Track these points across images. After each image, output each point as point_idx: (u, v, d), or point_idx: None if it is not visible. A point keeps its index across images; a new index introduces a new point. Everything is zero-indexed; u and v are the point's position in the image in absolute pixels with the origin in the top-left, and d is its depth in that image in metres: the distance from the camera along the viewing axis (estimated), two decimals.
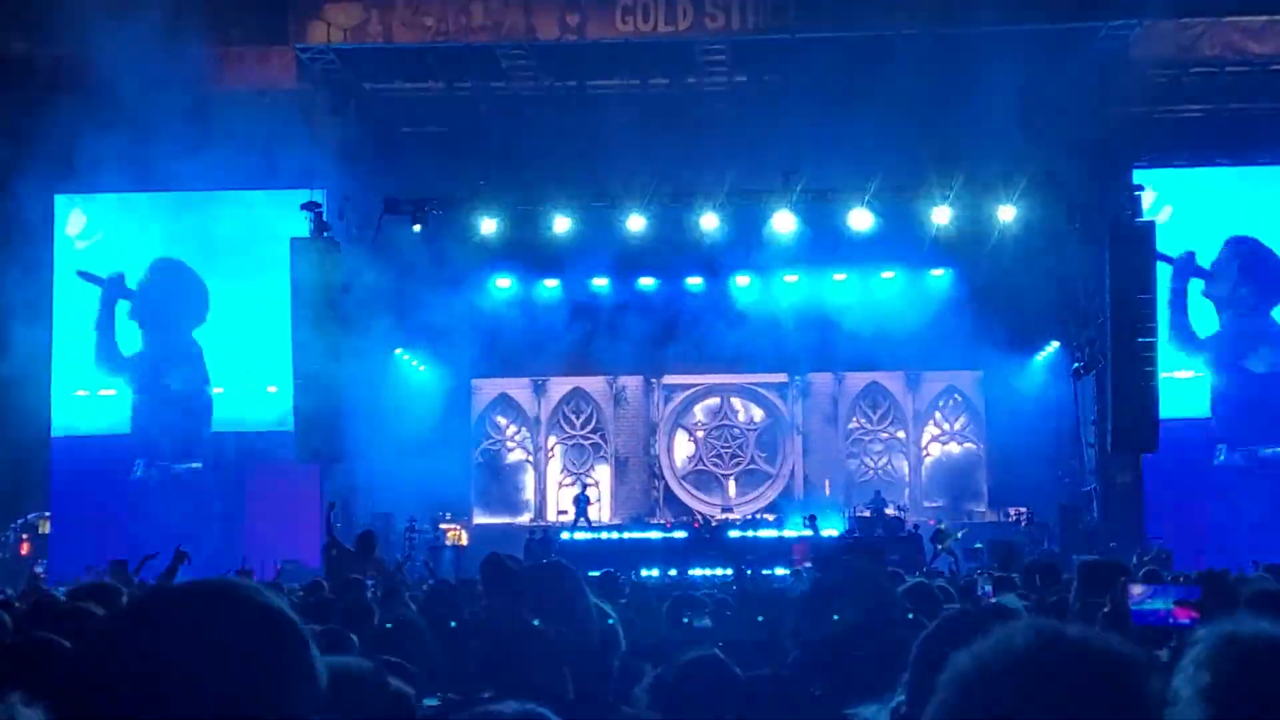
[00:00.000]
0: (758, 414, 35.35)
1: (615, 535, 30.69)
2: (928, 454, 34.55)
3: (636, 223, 27.77)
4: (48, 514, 29.00)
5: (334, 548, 18.46)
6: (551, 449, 35.10)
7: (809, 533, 29.69)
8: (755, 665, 5.89)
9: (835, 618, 4.42)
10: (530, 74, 28.02)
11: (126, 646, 2.07)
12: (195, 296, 29.65)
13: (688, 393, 35.15)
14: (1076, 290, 29.01)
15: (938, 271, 31.04)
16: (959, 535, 28.45)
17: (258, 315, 29.04)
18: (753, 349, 32.17)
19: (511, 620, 4.21)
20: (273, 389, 28.64)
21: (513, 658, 4.03)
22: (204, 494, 29.08)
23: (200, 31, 24.94)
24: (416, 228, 27.65)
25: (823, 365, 33.89)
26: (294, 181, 27.25)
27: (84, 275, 29.57)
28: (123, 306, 29.80)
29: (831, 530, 30.24)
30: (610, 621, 4.70)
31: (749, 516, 32.49)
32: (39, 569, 26.26)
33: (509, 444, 35.16)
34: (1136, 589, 5.84)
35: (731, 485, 34.76)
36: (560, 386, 35.00)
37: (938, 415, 34.72)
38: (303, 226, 26.35)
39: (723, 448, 35.36)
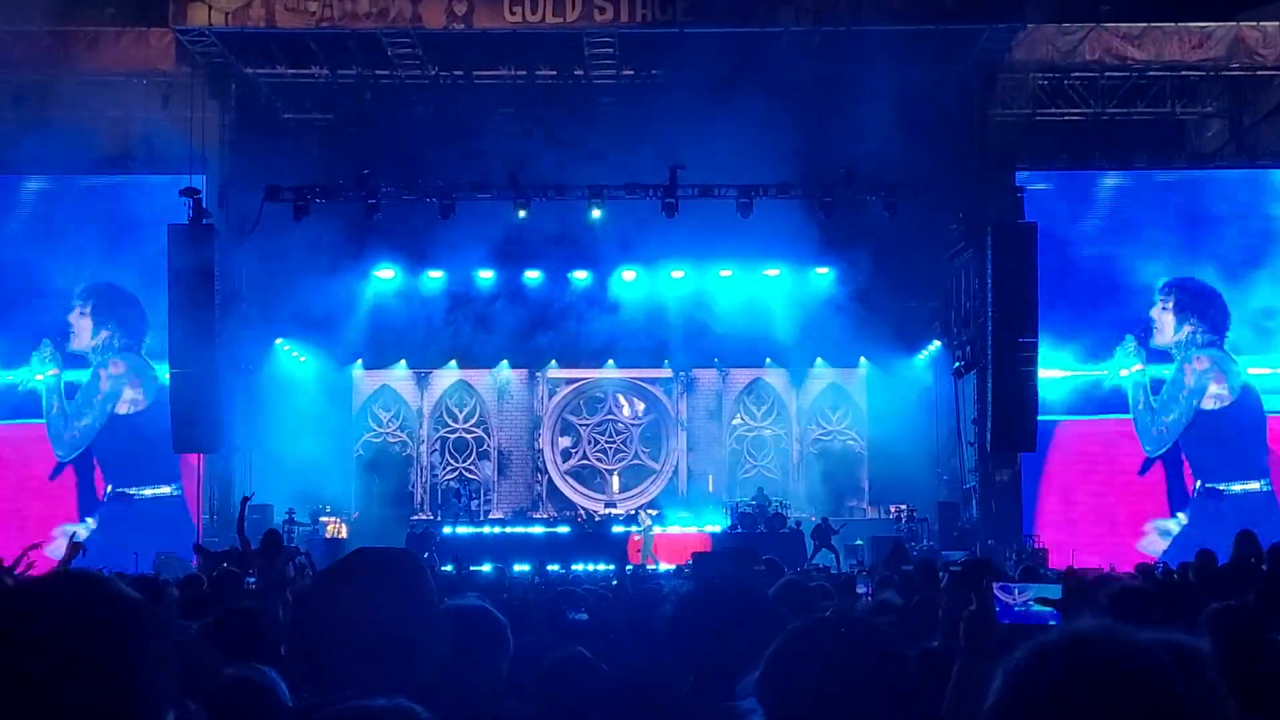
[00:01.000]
0: (642, 409, 35.34)
1: (498, 530, 30.57)
2: (810, 451, 34.71)
3: (522, 215, 27.66)
4: None
5: (242, 544, 17.99)
6: (434, 442, 34.84)
7: (694, 529, 29.86)
8: (631, 661, 5.83)
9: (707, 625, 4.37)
10: (416, 63, 27.76)
11: None
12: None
13: (572, 387, 35.07)
14: (958, 290, 29.30)
15: (822, 269, 31.19)
16: (837, 531, 28.69)
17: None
18: (638, 344, 32.23)
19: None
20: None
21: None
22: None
23: (72, 11, 24.46)
24: (298, 216, 27.32)
25: (707, 361, 33.99)
26: (172, 167, 26.79)
27: None
28: None
29: (714, 526, 30.36)
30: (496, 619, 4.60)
31: (632, 512, 32.49)
32: None
33: (391, 437, 34.85)
34: (1012, 587, 5.85)
35: (615, 480, 34.72)
36: (443, 379, 34.76)
37: (820, 412, 34.88)
38: (181, 213, 25.89)
39: (606, 443, 35.32)
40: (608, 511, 32.72)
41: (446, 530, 29.71)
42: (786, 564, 13.14)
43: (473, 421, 35.12)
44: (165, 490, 28.40)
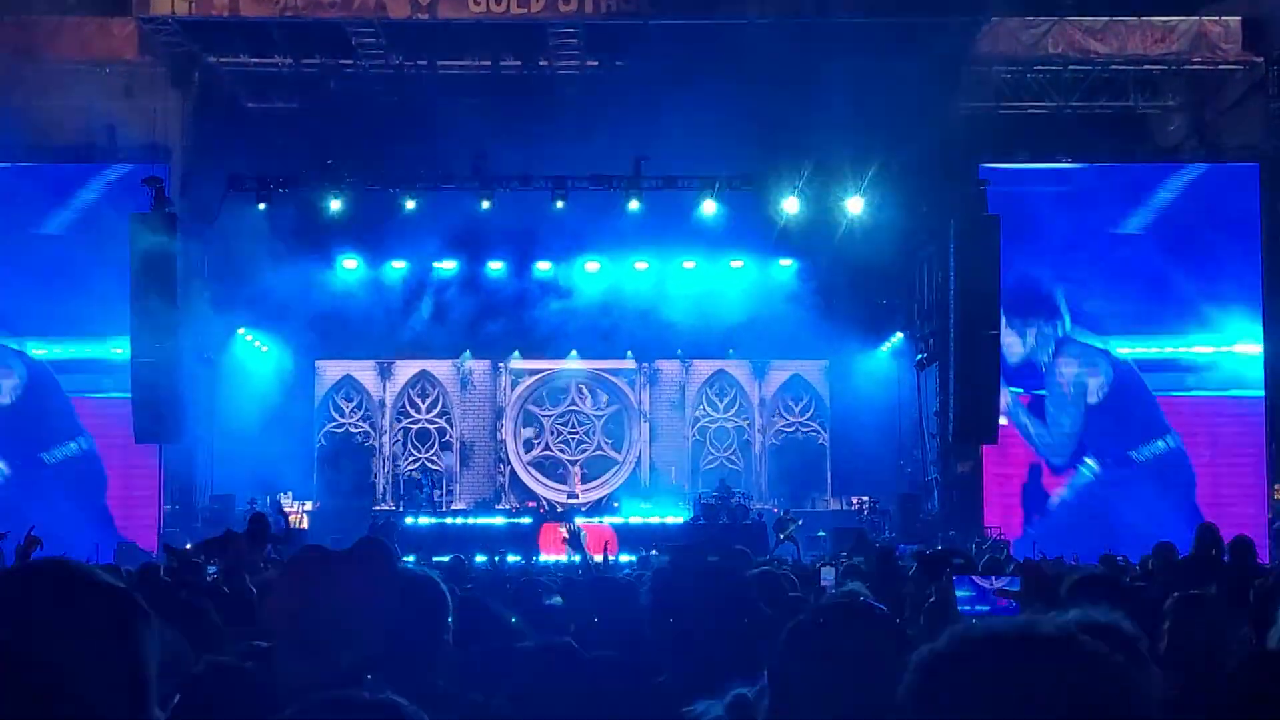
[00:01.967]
0: (604, 400, 35.34)
1: (460, 520, 30.52)
2: (773, 442, 34.79)
3: (485, 205, 27.64)
4: None
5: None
6: (396, 432, 34.76)
7: (656, 519, 29.91)
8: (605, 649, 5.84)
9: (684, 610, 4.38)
10: (380, 53, 27.67)
11: None
12: None
13: (535, 378, 35.04)
14: (921, 282, 29.40)
15: (785, 261, 31.26)
16: (799, 523, 28.73)
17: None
18: (600, 335, 32.24)
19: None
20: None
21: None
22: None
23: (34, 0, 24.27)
24: (261, 205, 27.24)
25: (670, 352, 34.03)
26: (135, 155, 26.64)
27: None
28: None
29: (676, 517, 30.40)
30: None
31: (594, 503, 32.50)
32: None
33: (353, 427, 34.76)
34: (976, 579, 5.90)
35: (577, 471, 34.71)
36: (406, 369, 34.69)
37: (783, 404, 34.95)
38: (143, 202, 25.75)
39: (569, 434, 35.30)
40: (570, 502, 32.71)
41: (409, 521, 29.64)
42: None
43: (435, 412, 35.05)
44: (72, 447, 28.03)
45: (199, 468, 28.68)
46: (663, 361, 34.57)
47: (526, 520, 30.23)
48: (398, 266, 31.42)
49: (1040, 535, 26.16)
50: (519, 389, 35.01)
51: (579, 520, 29.65)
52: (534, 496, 33.91)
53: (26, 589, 2.12)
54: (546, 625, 7.30)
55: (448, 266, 31.43)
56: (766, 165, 27.37)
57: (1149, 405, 28.16)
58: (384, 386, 34.63)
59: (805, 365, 34.47)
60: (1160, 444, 28.04)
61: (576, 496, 33.31)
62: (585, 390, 35.42)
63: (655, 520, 30.16)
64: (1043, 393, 28.15)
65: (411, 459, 34.69)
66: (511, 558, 22.52)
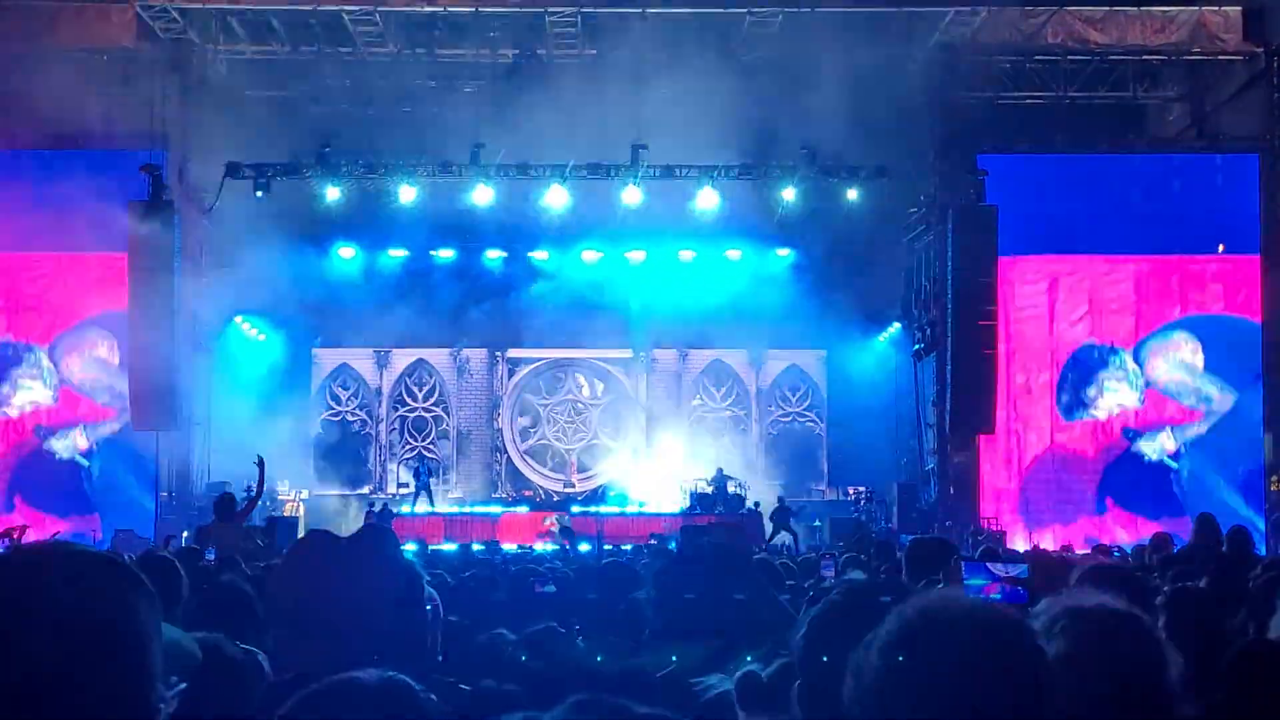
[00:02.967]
0: (601, 389, 35.33)
1: (456, 509, 30.53)
2: (769, 432, 34.79)
3: (483, 194, 27.64)
4: None
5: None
6: (393, 421, 34.76)
7: (649, 508, 29.96)
8: (609, 634, 5.84)
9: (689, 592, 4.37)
10: (378, 40, 27.61)
11: None
12: None
13: (531, 367, 35.02)
14: (919, 272, 29.39)
15: (783, 251, 31.26)
16: (796, 512, 28.78)
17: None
18: (598, 324, 32.24)
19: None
20: None
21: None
22: None
23: None
24: (259, 193, 27.22)
25: (667, 342, 34.02)
26: (132, 143, 26.61)
27: None
28: None
29: (672, 507, 30.41)
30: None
31: (591, 492, 32.51)
32: None
33: (350, 415, 34.75)
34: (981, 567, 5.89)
35: (574, 461, 34.71)
36: (403, 358, 34.68)
37: (780, 394, 34.95)
38: (140, 189, 25.73)
39: (566, 423, 35.30)
40: (566, 491, 32.72)
41: (405, 509, 29.65)
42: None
43: (432, 401, 35.04)
44: None
45: (195, 455, 28.65)
46: (660, 351, 34.57)
47: (523, 509, 30.25)
48: (395, 255, 31.40)
49: None
50: (516, 378, 35.00)
51: (575, 509, 29.71)
52: (530, 485, 33.92)
53: (28, 569, 2.11)
54: (540, 613, 7.31)
55: (445, 255, 31.43)
56: (764, 154, 27.36)
57: None
58: (381, 375, 34.62)
59: (802, 355, 34.48)
60: None
61: (573, 485, 33.31)
62: (582, 379, 35.40)
63: (651, 509, 30.19)
64: None
65: (408, 447, 34.67)
66: (506, 546, 22.50)
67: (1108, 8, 27.46)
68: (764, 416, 34.83)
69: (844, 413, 33.02)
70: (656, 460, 34.13)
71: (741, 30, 26.55)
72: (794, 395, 34.99)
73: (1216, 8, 27.39)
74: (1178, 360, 28.40)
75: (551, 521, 28.59)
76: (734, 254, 31.57)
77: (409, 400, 35.00)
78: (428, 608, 4.61)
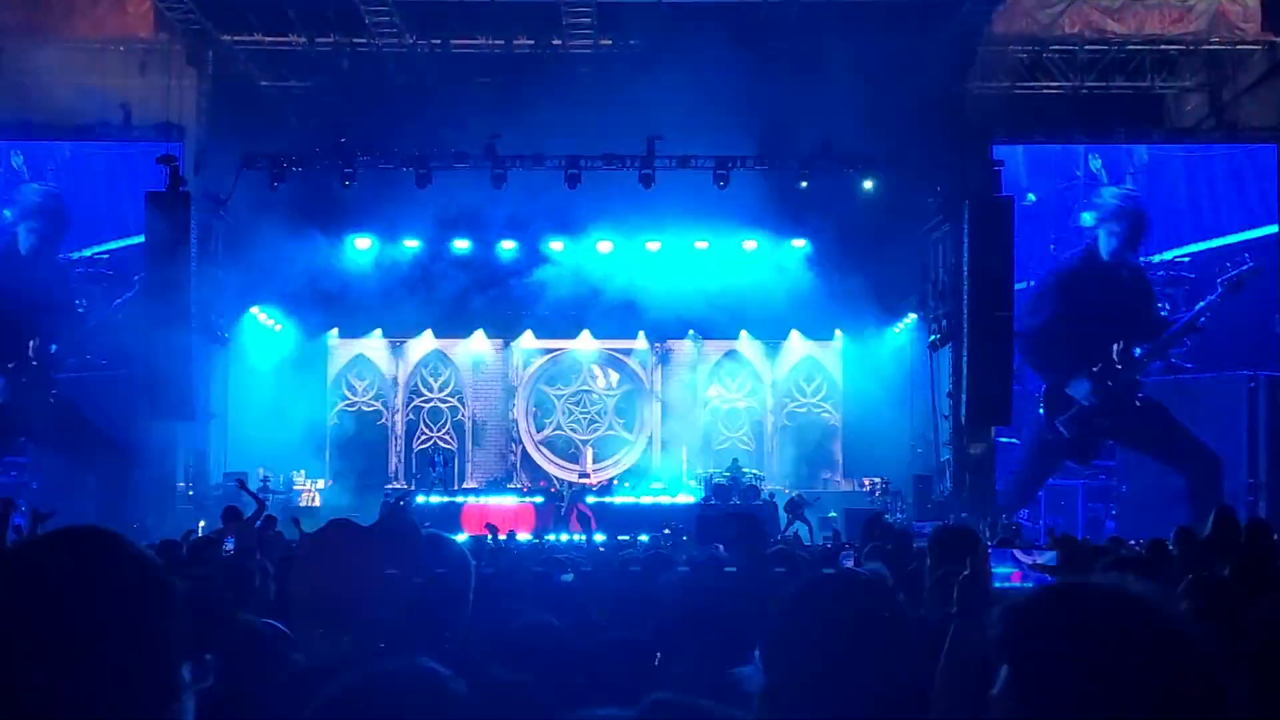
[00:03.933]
0: (616, 380, 35.32)
1: (471, 499, 30.53)
2: (784, 423, 34.75)
3: (499, 184, 27.66)
4: None
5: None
6: (408, 411, 34.78)
7: (667, 499, 29.98)
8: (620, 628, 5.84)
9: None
10: (394, 31, 27.61)
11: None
12: None
13: (546, 357, 35.01)
14: (934, 263, 29.35)
15: (798, 242, 31.19)
16: (811, 504, 28.73)
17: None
18: (613, 315, 32.19)
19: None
20: None
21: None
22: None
23: None
24: (275, 184, 27.28)
25: (682, 332, 33.97)
26: (149, 134, 26.67)
27: None
28: None
29: (687, 497, 30.41)
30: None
31: (605, 482, 32.50)
32: None
33: (365, 405, 34.78)
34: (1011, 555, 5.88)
35: (589, 451, 34.70)
36: (418, 348, 34.68)
37: (795, 384, 34.90)
38: (157, 180, 25.78)
39: (581, 413, 35.29)
40: (582, 482, 32.71)
41: (420, 499, 29.67)
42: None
43: (447, 391, 35.04)
44: None
45: (212, 445, 28.70)
46: (675, 341, 34.53)
47: (538, 500, 30.27)
48: (410, 245, 31.38)
49: None
50: (531, 368, 34.99)
51: (589, 499, 29.72)
52: (545, 475, 33.93)
53: (52, 555, 2.13)
54: (560, 603, 7.31)
55: (460, 245, 31.40)
56: (780, 145, 27.33)
57: None
58: (396, 365, 34.64)
59: (818, 345, 34.41)
60: None
61: (588, 476, 33.30)
62: (597, 370, 35.39)
63: (666, 500, 30.19)
64: None
65: (423, 437, 34.70)
66: (521, 536, 22.50)
67: None
68: (779, 407, 34.78)
69: (859, 404, 32.95)
70: (671, 451, 34.13)
71: (757, 20, 26.51)
72: (809, 386, 34.93)
73: None
74: None
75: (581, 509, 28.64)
76: (749, 244, 31.52)
77: (424, 390, 35.01)
78: (470, 588, 4.65)
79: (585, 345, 34.65)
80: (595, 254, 31.53)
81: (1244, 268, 27.80)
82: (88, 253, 28.86)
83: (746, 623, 4.25)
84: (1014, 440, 29.27)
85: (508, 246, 31.63)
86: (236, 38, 27.99)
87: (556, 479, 33.41)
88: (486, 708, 2.93)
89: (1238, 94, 28.17)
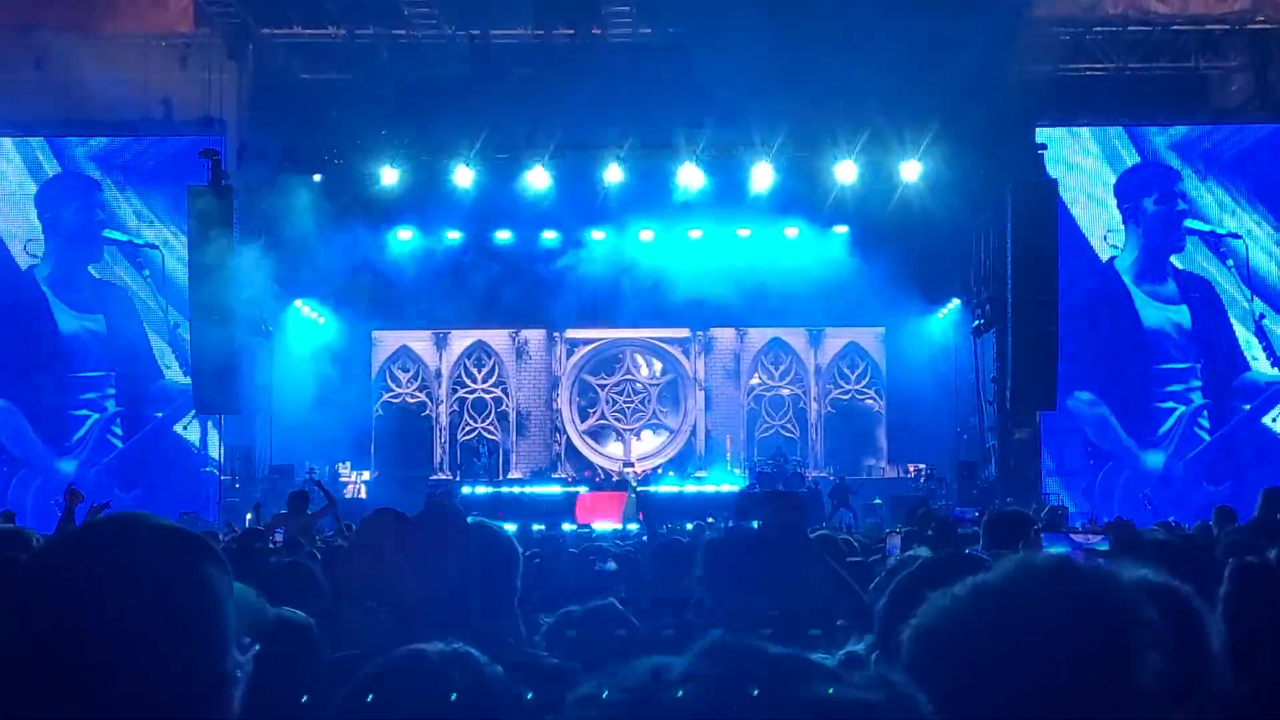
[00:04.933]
0: (659, 369, 35.33)
1: (516, 489, 30.60)
2: (828, 410, 34.69)
3: (539, 175, 27.68)
4: None
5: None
6: (452, 402, 34.88)
7: (708, 488, 29.95)
8: (662, 615, 5.84)
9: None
10: (433, 23, 27.64)
11: (52, 583, 2.08)
12: None
13: (589, 347, 35.06)
14: (978, 247, 29.20)
15: (841, 228, 31.08)
16: (855, 490, 28.71)
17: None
18: (656, 304, 32.14)
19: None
20: None
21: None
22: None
23: None
24: (316, 177, 27.38)
25: (725, 321, 33.94)
26: (190, 129, 26.80)
27: None
28: None
29: (731, 486, 30.39)
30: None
31: (650, 471, 32.53)
32: None
33: (410, 397, 34.91)
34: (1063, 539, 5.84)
35: (633, 440, 34.74)
36: (461, 339, 34.79)
37: (839, 371, 34.84)
38: (199, 175, 25.91)
39: (625, 403, 35.32)
40: (625, 471, 32.74)
41: (465, 490, 29.76)
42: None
43: (491, 381, 35.14)
44: None
45: (258, 438, 28.86)
46: (717, 330, 34.51)
47: (583, 489, 30.32)
48: (452, 237, 31.42)
49: None
50: (574, 358, 35.05)
51: (634, 488, 29.74)
52: (590, 465, 33.98)
53: (103, 541, 2.14)
54: (601, 590, 7.32)
55: (502, 236, 31.44)
56: (821, 131, 27.22)
57: None
58: (440, 356, 34.75)
59: (861, 332, 34.35)
60: None
61: (632, 465, 33.32)
62: (640, 359, 35.41)
63: (710, 489, 30.18)
64: None
65: (468, 428, 34.80)
66: (567, 526, 22.55)
67: None
68: (822, 394, 34.73)
69: (903, 390, 32.85)
70: (715, 439, 34.13)
71: (797, 4, 26.38)
72: (852, 373, 34.87)
73: None
74: None
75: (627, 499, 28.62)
76: (791, 231, 31.42)
77: (468, 381, 35.12)
78: (518, 575, 4.68)
79: (628, 334, 34.66)
80: (637, 243, 31.50)
81: None
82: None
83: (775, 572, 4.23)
84: None
85: (549, 237, 31.64)
86: (276, 31, 28.08)
87: (601, 468, 33.45)
88: (530, 691, 2.93)
89: None
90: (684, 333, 34.51)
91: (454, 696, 2.44)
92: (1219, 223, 28.85)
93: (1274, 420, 28.62)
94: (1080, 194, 28.91)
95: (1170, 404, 28.98)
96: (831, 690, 1.41)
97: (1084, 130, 29.05)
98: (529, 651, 4.36)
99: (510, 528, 14.54)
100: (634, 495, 29.01)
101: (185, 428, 29.03)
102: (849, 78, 25.84)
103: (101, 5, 26.91)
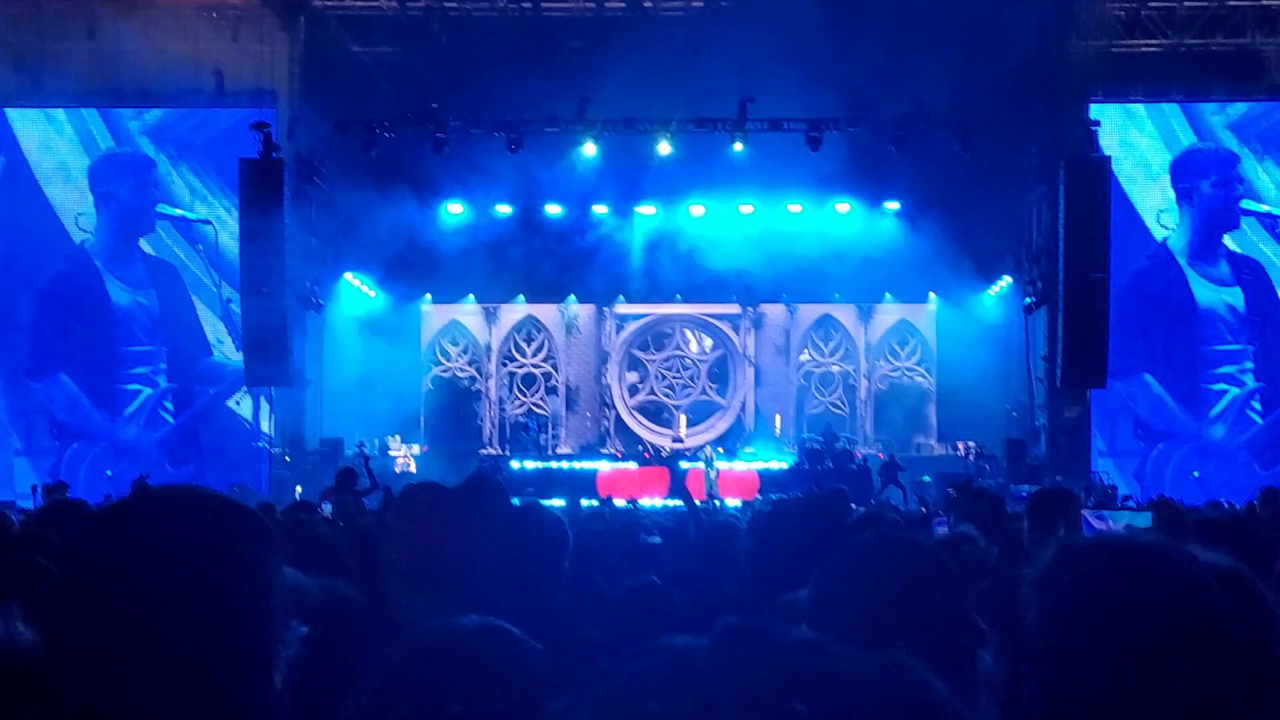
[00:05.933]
0: (709, 345, 35.29)
1: (565, 465, 30.65)
2: (878, 387, 34.58)
3: (590, 149, 27.65)
4: None
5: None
6: (502, 376, 34.95)
7: (760, 464, 29.91)
8: (704, 590, 5.83)
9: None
10: None
11: (106, 551, 2.09)
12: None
13: (640, 322, 35.04)
14: (1030, 225, 29.02)
15: (892, 204, 30.94)
16: (904, 468, 28.61)
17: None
18: (706, 279, 32.10)
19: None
20: None
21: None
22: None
23: None
24: (368, 150, 27.42)
25: (775, 297, 33.87)
26: (242, 101, 26.91)
27: None
28: None
29: (780, 463, 30.37)
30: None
31: (699, 447, 32.52)
32: None
33: (459, 371, 34.99)
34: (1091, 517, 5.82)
35: (682, 416, 34.73)
36: (511, 314, 34.84)
37: (889, 348, 34.71)
38: (251, 147, 26.00)
39: (674, 378, 35.31)
40: (675, 447, 32.74)
41: (515, 465, 29.82)
42: (854, 501, 13.13)
43: (541, 356, 35.19)
44: None
45: (309, 411, 29.01)
46: (767, 306, 34.43)
47: (632, 465, 30.33)
48: (502, 210, 31.41)
49: None
50: (624, 333, 35.04)
51: (683, 464, 29.73)
52: (639, 441, 33.98)
53: (156, 513, 2.16)
54: (644, 564, 7.33)
55: (552, 210, 31.41)
56: (873, 106, 27.08)
57: None
58: (490, 331, 34.81)
59: (911, 309, 34.20)
60: None
61: (681, 441, 33.32)
62: (690, 335, 35.38)
63: (759, 465, 30.15)
64: None
65: (517, 403, 34.87)
66: (617, 502, 22.56)
67: None
68: (872, 371, 34.62)
69: (953, 367, 32.67)
70: (764, 415, 34.08)
71: None
72: (903, 349, 34.75)
73: None
74: None
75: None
76: (842, 207, 31.29)
77: (518, 356, 35.18)
78: (566, 554, 4.70)
79: (678, 310, 34.62)
80: (688, 218, 31.45)
81: None
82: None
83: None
84: None
85: (600, 211, 31.61)
86: (328, 3, 28.14)
87: (650, 444, 33.46)
88: (572, 667, 2.93)
89: None
90: (734, 308, 34.45)
91: (491, 671, 2.44)
92: (1276, 203, 28.56)
93: None
94: (1136, 171, 28.68)
95: (1222, 385, 28.75)
96: (846, 673, 1.40)
97: (1139, 108, 28.82)
98: (570, 626, 4.36)
99: (558, 503, 14.62)
100: (713, 472, 28.94)
101: (238, 403, 29.22)
102: (901, 51, 25.70)
103: None
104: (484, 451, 32.54)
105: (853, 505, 10.93)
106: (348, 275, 31.40)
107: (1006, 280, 31.19)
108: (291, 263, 26.40)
